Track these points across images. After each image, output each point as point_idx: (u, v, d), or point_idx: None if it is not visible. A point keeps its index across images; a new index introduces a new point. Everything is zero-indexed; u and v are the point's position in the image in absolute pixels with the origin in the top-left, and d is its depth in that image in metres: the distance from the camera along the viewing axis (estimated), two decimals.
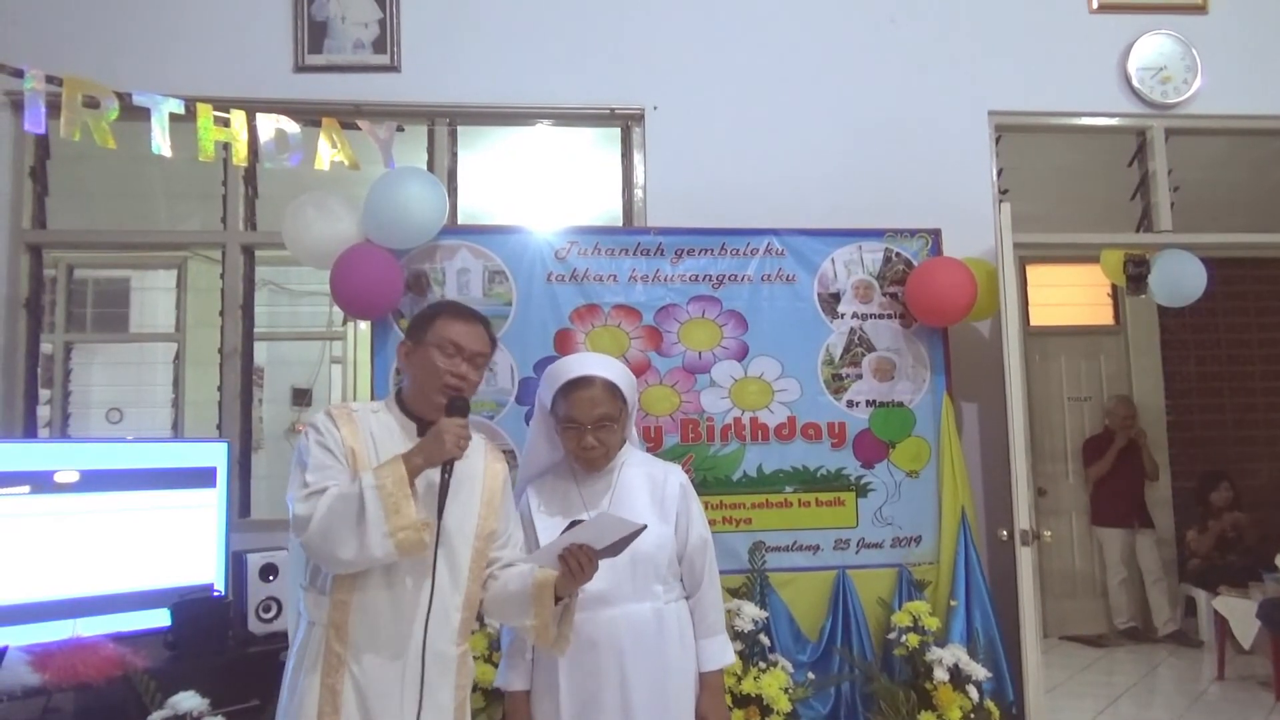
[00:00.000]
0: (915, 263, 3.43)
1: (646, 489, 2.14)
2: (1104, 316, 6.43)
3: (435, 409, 1.89)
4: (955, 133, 3.79)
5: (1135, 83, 3.90)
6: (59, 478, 2.73)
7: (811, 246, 3.41)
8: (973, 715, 2.94)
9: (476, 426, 1.99)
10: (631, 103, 3.74)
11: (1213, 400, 6.54)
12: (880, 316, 3.41)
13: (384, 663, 1.80)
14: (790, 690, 2.90)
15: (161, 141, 3.01)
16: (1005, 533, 3.19)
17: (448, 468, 1.81)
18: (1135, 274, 3.66)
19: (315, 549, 1.74)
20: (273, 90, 3.55)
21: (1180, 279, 3.62)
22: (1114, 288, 6.12)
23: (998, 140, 3.91)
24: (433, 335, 1.90)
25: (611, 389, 2.08)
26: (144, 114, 3.00)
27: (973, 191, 3.74)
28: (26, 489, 2.67)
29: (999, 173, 3.90)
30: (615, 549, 1.86)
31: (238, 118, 3.10)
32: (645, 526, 1.86)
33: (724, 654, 2.16)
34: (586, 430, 2.06)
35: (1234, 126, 4.03)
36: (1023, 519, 3.12)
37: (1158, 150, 3.98)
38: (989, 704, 2.99)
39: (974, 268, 3.37)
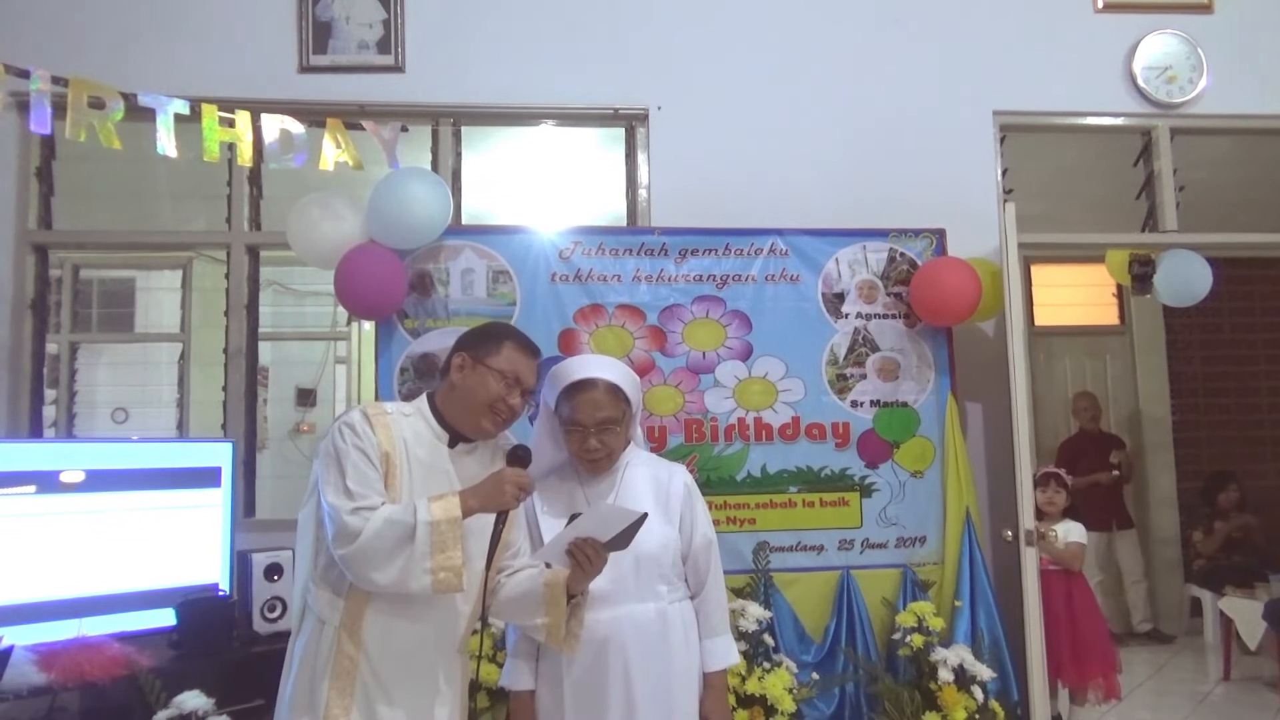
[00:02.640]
0: (919, 263, 3.42)
1: (651, 489, 2.14)
2: (1109, 316, 6.42)
3: (475, 429, 1.92)
4: (960, 132, 3.78)
5: (1140, 82, 3.89)
6: (64, 478, 2.73)
7: (815, 246, 3.41)
8: (977, 716, 2.94)
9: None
10: (636, 103, 3.73)
11: (1218, 400, 6.52)
12: (884, 316, 3.41)
13: (396, 666, 1.81)
14: (794, 690, 2.90)
15: (166, 142, 3.00)
16: (1010, 533, 3.18)
17: (502, 517, 1.82)
18: (1140, 274, 3.66)
19: (353, 564, 1.72)
20: (277, 91, 3.56)
21: (1186, 279, 3.61)
22: (1119, 288, 6.11)
23: (1002, 140, 3.90)
24: (498, 362, 1.90)
25: (614, 391, 2.08)
26: (149, 115, 2.99)
27: (977, 191, 3.74)
28: (32, 489, 2.67)
29: (1003, 172, 3.89)
30: (621, 541, 1.86)
31: (242, 118, 3.09)
32: (646, 515, 1.87)
33: (728, 654, 2.16)
34: (589, 433, 2.06)
35: (1239, 126, 4.02)
36: (1027, 519, 3.12)
37: (1163, 150, 3.97)
38: (994, 704, 2.99)
39: (978, 268, 3.36)
